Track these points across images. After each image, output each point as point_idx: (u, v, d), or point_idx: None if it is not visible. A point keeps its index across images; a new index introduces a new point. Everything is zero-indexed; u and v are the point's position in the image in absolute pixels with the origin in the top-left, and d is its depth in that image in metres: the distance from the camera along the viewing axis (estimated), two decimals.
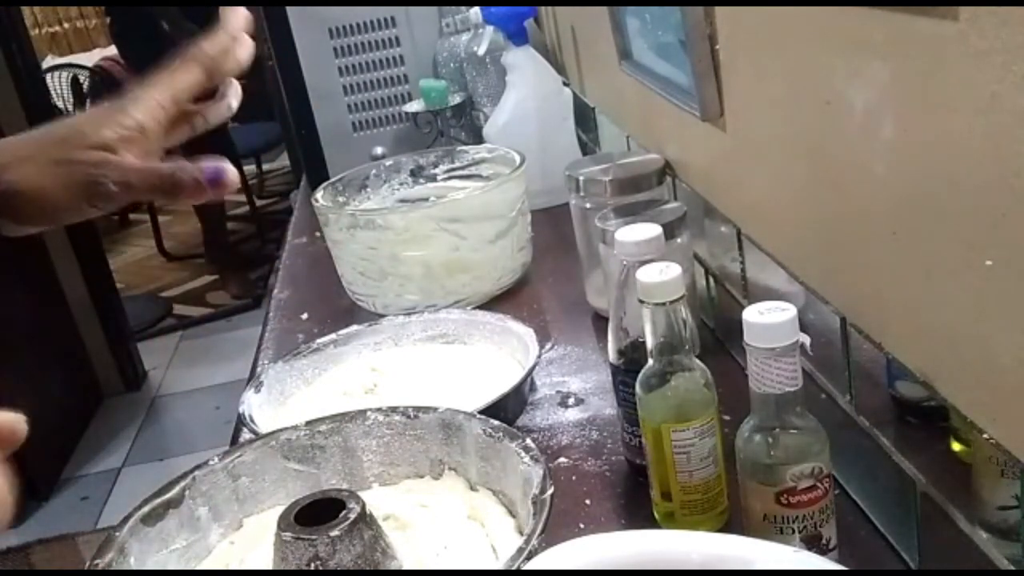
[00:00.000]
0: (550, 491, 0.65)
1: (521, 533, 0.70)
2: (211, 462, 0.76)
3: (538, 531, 0.61)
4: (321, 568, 0.63)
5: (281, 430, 0.79)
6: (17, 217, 0.63)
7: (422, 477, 0.79)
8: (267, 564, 0.69)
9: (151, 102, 0.65)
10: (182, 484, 0.73)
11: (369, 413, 0.80)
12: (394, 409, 0.80)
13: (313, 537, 0.64)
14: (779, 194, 0.78)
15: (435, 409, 0.78)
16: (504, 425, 0.74)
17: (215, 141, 3.66)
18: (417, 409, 0.79)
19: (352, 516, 0.65)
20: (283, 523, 0.66)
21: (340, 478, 0.78)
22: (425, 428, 0.78)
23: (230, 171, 0.65)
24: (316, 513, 0.66)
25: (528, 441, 0.71)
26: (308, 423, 0.79)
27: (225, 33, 0.69)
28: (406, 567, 0.68)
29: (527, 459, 0.69)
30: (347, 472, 0.79)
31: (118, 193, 0.62)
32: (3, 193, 0.61)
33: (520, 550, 0.60)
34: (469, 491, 0.76)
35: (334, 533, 0.64)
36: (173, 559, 0.72)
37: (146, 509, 0.71)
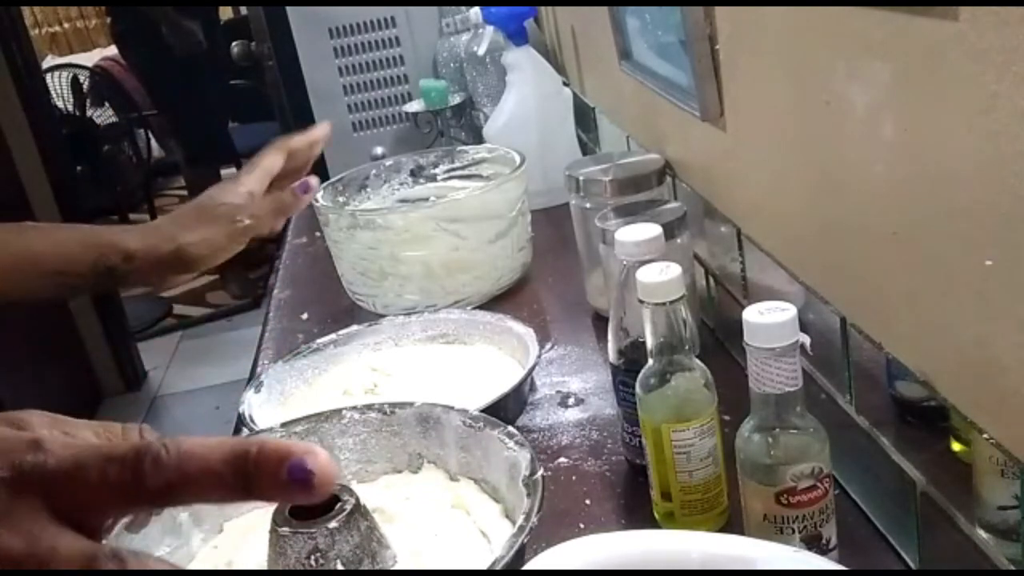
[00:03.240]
0: (540, 471, 0.66)
1: (508, 518, 0.71)
2: None
3: (535, 510, 0.63)
4: (321, 559, 0.64)
5: (257, 432, 0.79)
6: (189, 267, 0.88)
7: (400, 472, 0.79)
8: (255, 565, 0.70)
9: (254, 173, 0.91)
10: None
11: (344, 412, 0.80)
12: (370, 407, 0.80)
13: (312, 530, 0.64)
14: (779, 194, 0.78)
15: (411, 404, 0.79)
16: (484, 415, 0.75)
17: (215, 142, 3.62)
18: (393, 405, 0.80)
19: (348, 507, 0.66)
20: (279, 519, 0.66)
21: None
22: (402, 423, 0.79)
23: (313, 181, 0.96)
24: (306, 510, 0.66)
25: (511, 428, 0.72)
26: (283, 424, 0.80)
27: (307, 136, 0.97)
28: (400, 557, 0.68)
29: (512, 444, 0.71)
30: None
31: (251, 225, 0.89)
32: (179, 251, 0.86)
33: (521, 528, 0.61)
34: (450, 481, 0.77)
35: (332, 525, 0.64)
36: None
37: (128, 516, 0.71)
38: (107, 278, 0.86)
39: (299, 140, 0.96)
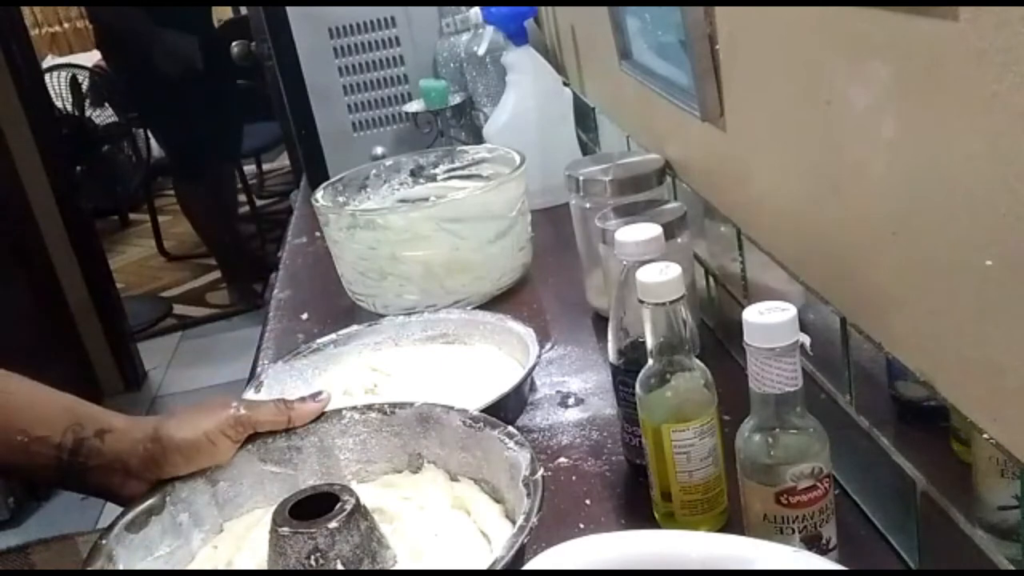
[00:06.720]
0: (540, 471, 0.67)
1: (508, 518, 0.71)
2: None
3: (535, 510, 0.63)
4: (321, 559, 0.64)
5: (257, 432, 0.79)
6: (167, 452, 0.75)
7: (400, 472, 0.79)
8: (255, 565, 0.70)
9: (230, 423, 0.77)
10: (163, 491, 0.74)
11: (344, 412, 0.80)
12: (370, 407, 0.80)
13: (312, 530, 0.64)
14: (779, 194, 0.78)
15: (411, 404, 0.79)
16: (484, 415, 0.75)
17: (213, 152, 3.50)
18: (393, 405, 0.80)
19: (348, 507, 0.66)
20: (279, 519, 0.66)
21: (317, 478, 0.79)
22: (402, 423, 0.79)
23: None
24: (306, 510, 0.67)
25: (511, 428, 0.73)
26: None
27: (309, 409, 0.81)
28: (400, 557, 0.68)
29: (512, 445, 0.71)
30: (324, 472, 0.79)
31: (245, 415, 0.78)
32: (158, 432, 0.75)
33: (521, 528, 0.61)
34: (450, 482, 0.77)
35: (332, 525, 0.65)
36: (158, 565, 0.72)
37: (129, 516, 0.71)
38: (73, 455, 0.76)
39: (305, 410, 0.82)
